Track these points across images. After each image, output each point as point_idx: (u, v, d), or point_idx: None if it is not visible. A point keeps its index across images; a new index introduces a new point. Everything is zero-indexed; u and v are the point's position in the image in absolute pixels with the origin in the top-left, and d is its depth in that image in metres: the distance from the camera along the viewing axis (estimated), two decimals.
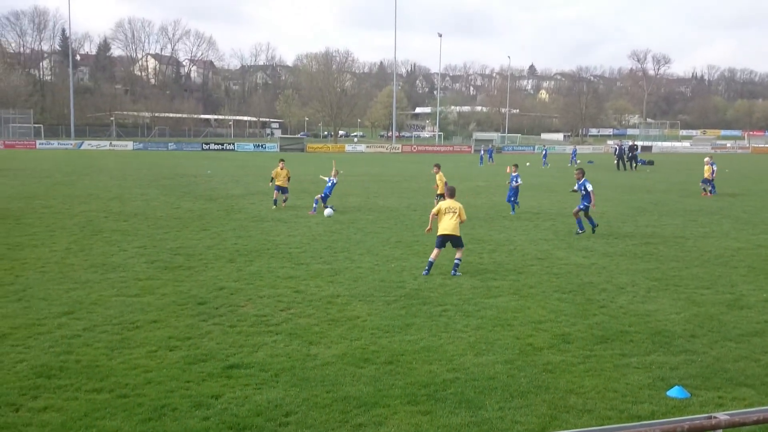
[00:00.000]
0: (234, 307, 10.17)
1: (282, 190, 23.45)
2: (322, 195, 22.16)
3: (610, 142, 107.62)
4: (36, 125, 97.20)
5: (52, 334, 8.64)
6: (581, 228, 18.12)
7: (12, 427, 5.93)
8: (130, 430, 5.93)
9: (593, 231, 18.03)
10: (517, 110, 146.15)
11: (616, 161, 52.20)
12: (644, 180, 40.60)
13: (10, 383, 6.94)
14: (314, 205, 22.30)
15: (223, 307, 10.14)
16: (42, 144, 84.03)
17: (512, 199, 22.85)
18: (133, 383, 7.05)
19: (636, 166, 52.08)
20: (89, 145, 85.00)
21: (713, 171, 29.84)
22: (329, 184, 22.51)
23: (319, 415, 6.34)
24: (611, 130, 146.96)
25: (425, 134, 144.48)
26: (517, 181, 22.81)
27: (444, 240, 12.81)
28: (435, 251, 12.82)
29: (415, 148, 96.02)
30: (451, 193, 13.31)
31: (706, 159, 31.03)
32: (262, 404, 6.56)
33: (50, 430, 5.90)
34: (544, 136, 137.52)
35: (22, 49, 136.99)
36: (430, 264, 12.76)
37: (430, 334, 8.87)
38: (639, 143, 73.29)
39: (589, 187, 18.22)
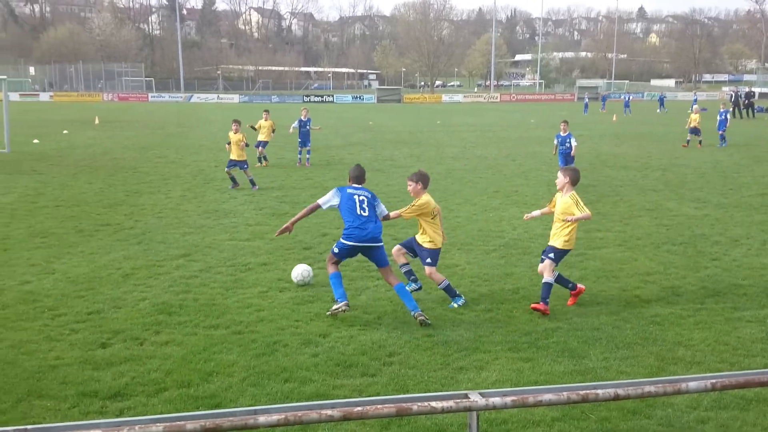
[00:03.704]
0: None
1: (263, 144, 21.14)
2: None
3: (725, 88, 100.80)
4: (147, 79, 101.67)
5: (171, 275, 9.24)
6: None
7: (137, 359, 6.43)
8: (245, 364, 6.31)
9: None
10: (625, 55, 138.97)
11: (732, 108, 49.06)
12: (762, 128, 38.00)
13: (134, 319, 7.50)
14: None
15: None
16: (153, 97, 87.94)
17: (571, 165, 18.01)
18: (247, 321, 7.46)
19: (753, 114, 48.79)
20: (198, 98, 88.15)
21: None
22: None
23: (422, 357, 6.50)
24: (726, 75, 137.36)
25: (525, 82, 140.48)
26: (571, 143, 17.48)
27: None
28: None
29: (514, 97, 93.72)
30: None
31: (695, 107, 28.58)
32: (367, 344, 6.80)
33: (172, 362, 6.35)
34: (654, 82, 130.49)
35: (131, 3, 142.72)
36: None
37: (530, 284, 8.82)
38: (756, 90, 68.33)
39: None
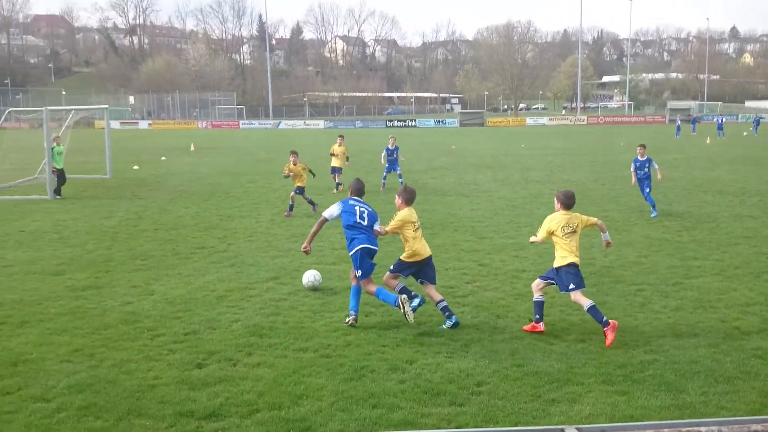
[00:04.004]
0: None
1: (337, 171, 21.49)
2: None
3: None
4: (238, 107, 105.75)
5: (262, 297, 9.50)
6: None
7: (230, 380, 6.61)
8: (334, 388, 6.38)
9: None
10: (717, 76, 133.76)
11: None
12: None
13: (227, 340, 7.73)
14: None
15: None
16: (244, 124, 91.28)
17: (648, 191, 16.25)
18: (335, 344, 7.56)
19: None
20: (285, 124, 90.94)
21: None
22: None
23: (511, 388, 6.39)
24: None
25: (613, 104, 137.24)
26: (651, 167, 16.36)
27: None
28: None
29: (602, 120, 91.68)
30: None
31: None
32: (454, 372, 6.75)
33: (264, 384, 6.49)
34: (749, 104, 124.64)
35: (224, 35, 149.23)
36: None
37: (624, 314, 8.55)
38: None
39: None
